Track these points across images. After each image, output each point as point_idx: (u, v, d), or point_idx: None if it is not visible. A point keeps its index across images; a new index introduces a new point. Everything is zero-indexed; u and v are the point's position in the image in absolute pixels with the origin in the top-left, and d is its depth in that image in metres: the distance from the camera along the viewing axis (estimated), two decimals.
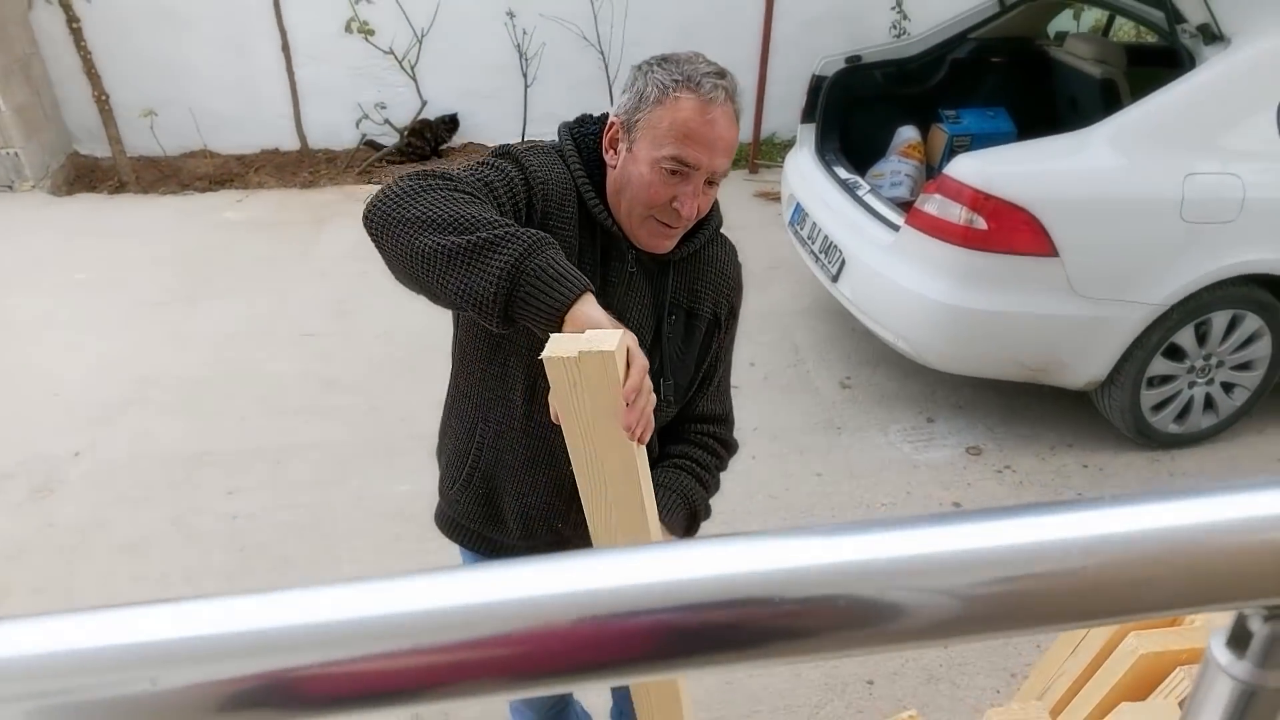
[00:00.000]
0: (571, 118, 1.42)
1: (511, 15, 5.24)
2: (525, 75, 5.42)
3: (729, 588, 0.35)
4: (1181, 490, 0.38)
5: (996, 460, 3.31)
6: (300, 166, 5.34)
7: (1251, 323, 3.10)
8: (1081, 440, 3.40)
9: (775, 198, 5.09)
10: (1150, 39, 3.67)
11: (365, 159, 5.37)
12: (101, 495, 3.01)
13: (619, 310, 1.38)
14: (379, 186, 1.51)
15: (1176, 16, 2.88)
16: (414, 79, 5.28)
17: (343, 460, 3.20)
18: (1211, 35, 2.90)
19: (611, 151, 1.34)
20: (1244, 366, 3.20)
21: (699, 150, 1.26)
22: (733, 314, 1.53)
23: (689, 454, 1.52)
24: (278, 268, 4.44)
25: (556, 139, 1.41)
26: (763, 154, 5.64)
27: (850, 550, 0.37)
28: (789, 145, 4.17)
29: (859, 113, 3.96)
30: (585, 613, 0.35)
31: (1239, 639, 0.39)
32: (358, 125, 5.33)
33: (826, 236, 3.56)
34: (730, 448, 1.62)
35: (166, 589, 2.66)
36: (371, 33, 5.02)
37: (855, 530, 0.38)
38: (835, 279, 3.48)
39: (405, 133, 5.40)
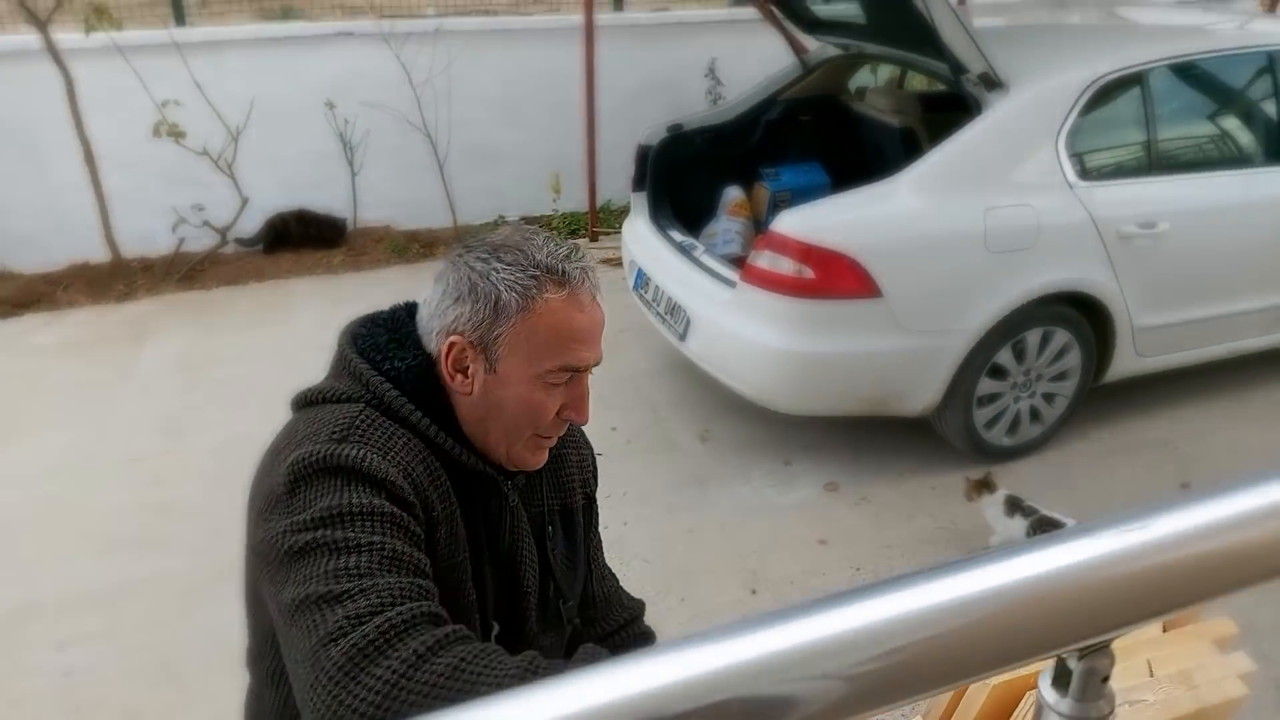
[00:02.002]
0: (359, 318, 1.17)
1: (331, 105, 5.17)
2: (351, 164, 5.34)
3: (622, 713, 0.35)
4: (997, 553, 0.40)
5: (853, 493, 3.44)
6: (114, 279, 5.02)
7: (1061, 337, 3.38)
8: (927, 463, 3.58)
9: (617, 263, 5.19)
10: (941, 88, 4.01)
11: (187, 264, 5.12)
12: None
13: (512, 558, 1.17)
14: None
15: (959, 68, 3.16)
16: (232, 177, 5.10)
17: (187, 592, 2.96)
18: (992, 83, 3.20)
19: (460, 377, 1.08)
20: (1060, 377, 3.48)
21: (586, 348, 1.08)
22: (596, 475, 1.38)
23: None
24: (96, 391, 4.12)
25: (354, 374, 1.08)
26: (601, 222, 5.75)
27: (735, 652, 0.38)
28: (624, 212, 4.27)
29: (686, 177, 4.12)
30: None
31: (1061, 678, 0.42)
32: (174, 230, 5.08)
33: (670, 298, 3.65)
34: (649, 635, 1.45)
35: None
36: (182, 135, 4.83)
37: (735, 631, 0.39)
38: (683, 338, 3.56)
39: (268, 227, 5.26)
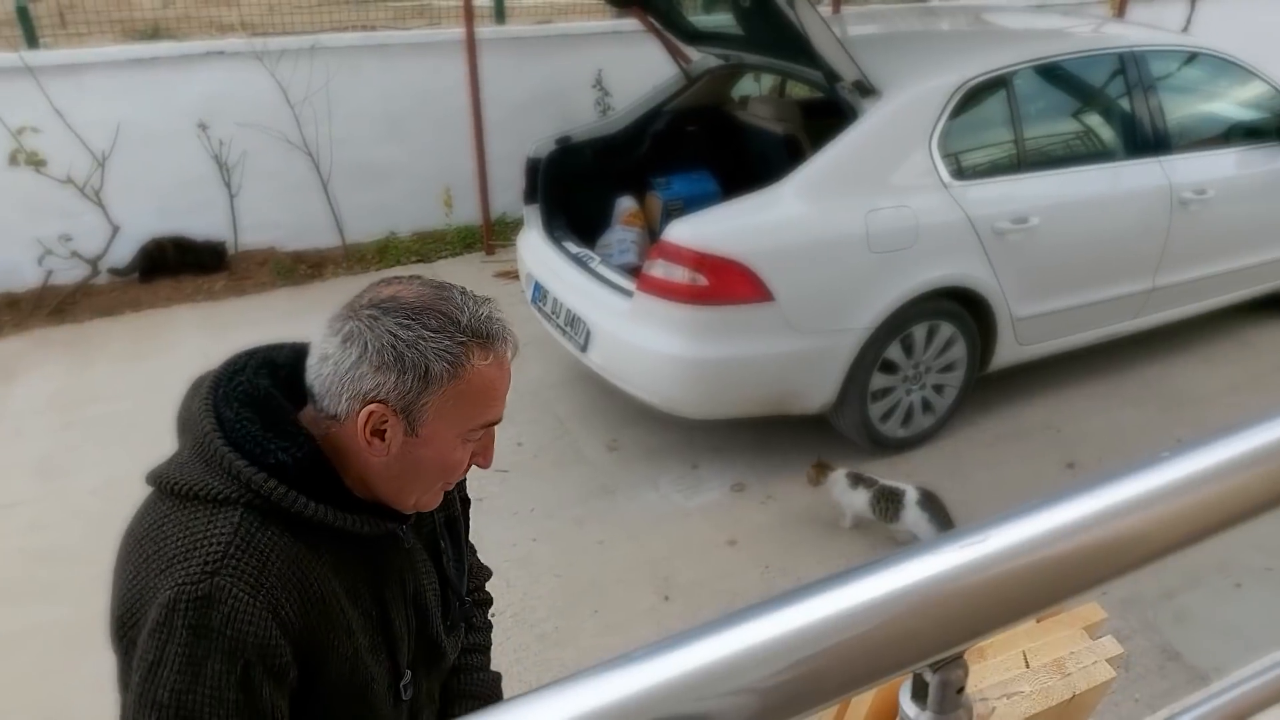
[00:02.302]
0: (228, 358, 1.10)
1: (204, 127, 4.97)
2: (229, 186, 5.14)
3: None
4: (842, 576, 0.41)
5: (759, 492, 3.50)
6: None
7: (945, 330, 3.51)
8: (827, 458, 3.66)
9: (515, 276, 5.15)
10: (820, 95, 4.12)
11: (56, 297, 4.83)
12: None
13: (419, 597, 1.19)
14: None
15: (833, 76, 3.26)
16: (100, 205, 4.84)
17: (74, 641, 2.79)
18: (866, 90, 3.31)
19: (377, 441, 1.04)
20: (947, 369, 3.61)
21: (502, 402, 1.09)
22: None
23: (478, 645, 1.42)
24: None
25: (228, 471, 1.00)
26: (496, 234, 5.70)
27: (651, 674, 0.38)
28: (519, 224, 4.24)
29: (579, 188, 4.12)
30: None
31: (919, 691, 0.43)
32: (40, 262, 4.79)
33: (569, 310, 3.64)
34: (489, 602, 1.50)
35: None
36: (42, 163, 4.56)
37: (653, 652, 0.39)
38: (584, 349, 3.56)
39: (143, 254, 5.03)
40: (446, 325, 1.01)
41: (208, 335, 4.70)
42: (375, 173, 5.55)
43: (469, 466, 1.11)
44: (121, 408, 3.95)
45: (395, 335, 1.00)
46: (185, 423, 1.07)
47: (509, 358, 1.08)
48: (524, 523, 3.31)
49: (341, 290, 5.34)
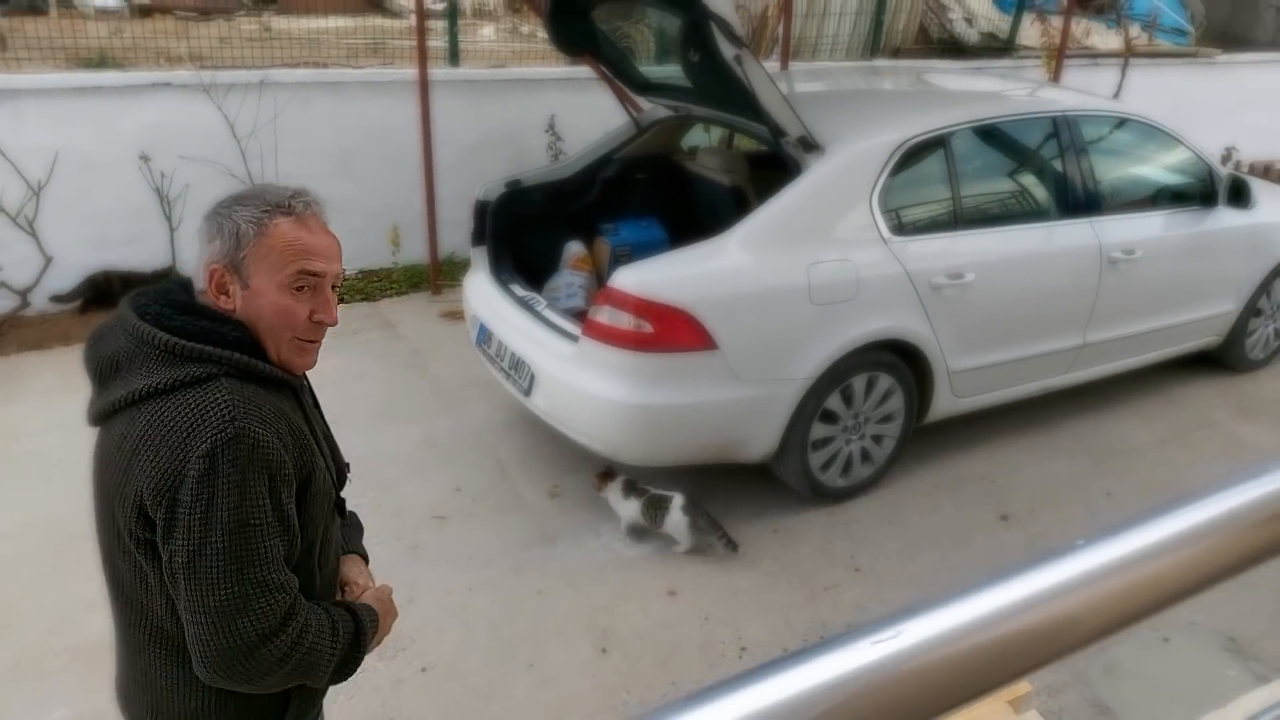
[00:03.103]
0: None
1: (146, 159, 4.88)
2: (169, 219, 5.04)
3: None
4: (758, 671, 0.41)
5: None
6: None
7: (884, 381, 3.57)
8: (769, 507, 3.68)
9: (461, 317, 5.11)
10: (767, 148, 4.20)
11: None
12: None
13: (328, 438, 1.59)
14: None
15: (779, 131, 3.33)
16: (34, 235, 4.71)
17: None
18: (810, 145, 3.38)
19: (224, 297, 1.37)
20: (886, 419, 3.67)
21: (319, 259, 1.38)
22: None
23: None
24: None
25: (198, 357, 1.31)
26: (443, 274, 5.66)
27: None
28: (467, 265, 4.22)
29: (527, 232, 4.12)
30: None
31: None
32: None
33: (513, 354, 3.62)
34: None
35: None
36: None
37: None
38: (527, 393, 3.54)
39: (89, 283, 4.96)
40: (256, 203, 1.36)
41: None
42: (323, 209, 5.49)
43: (310, 318, 1.39)
44: (47, 445, 3.81)
45: (218, 214, 1.37)
46: (127, 351, 1.34)
47: (315, 225, 1.39)
48: (461, 571, 3.25)
49: None
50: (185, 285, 1.43)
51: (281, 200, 1.36)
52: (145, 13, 8.83)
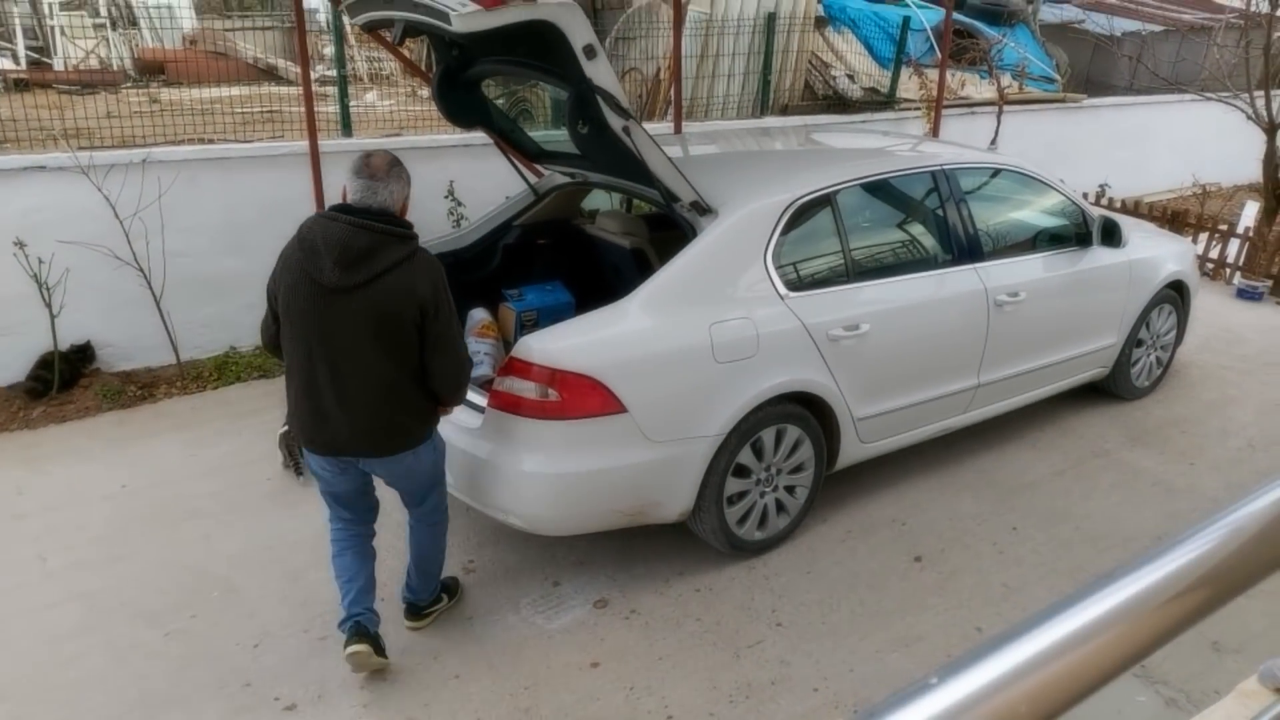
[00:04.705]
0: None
1: (21, 245, 4.65)
2: (49, 305, 4.80)
3: None
4: None
5: (622, 607, 3.44)
6: None
7: (792, 433, 3.62)
8: (690, 566, 3.67)
9: None
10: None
11: None
12: None
13: None
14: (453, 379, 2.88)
15: (672, 197, 3.39)
16: None
17: None
18: (702, 209, 3.45)
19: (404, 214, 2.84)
20: (797, 470, 3.71)
21: None
22: None
23: None
24: None
25: (401, 236, 2.72)
26: None
27: None
28: None
29: None
30: None
31: None
32: None
33: None
34: None
35: None
36: None
37: None
38: None
39: (34, 368, 4.88)
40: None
41: (19, 470, 4.30)
42: (215, 286, 5.33)
43: None
44: None
45: (403, 170, 2.82)
46: (378, 243, 2.64)
47: None
48: None
49: (176, 411, 5.03)
50: (366, 209, 2.68)
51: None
52: (23, 88, 8.52)
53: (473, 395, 3.44)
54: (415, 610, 3.29)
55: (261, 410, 4.87)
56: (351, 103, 6.18)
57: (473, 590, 3.52)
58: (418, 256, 2.67)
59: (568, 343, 3.15)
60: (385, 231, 2.61)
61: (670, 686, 3.05)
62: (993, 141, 8.31)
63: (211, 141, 5.59)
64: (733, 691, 3.03)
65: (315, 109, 4.91)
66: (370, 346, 2.64)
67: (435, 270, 2.69)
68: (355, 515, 3.02)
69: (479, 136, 5.37)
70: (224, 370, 5.30)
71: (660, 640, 3.27)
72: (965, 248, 4.12)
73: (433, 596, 3.32)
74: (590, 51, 2.96)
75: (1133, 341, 5.00)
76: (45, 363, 4.87)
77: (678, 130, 6.15)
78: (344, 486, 2.92)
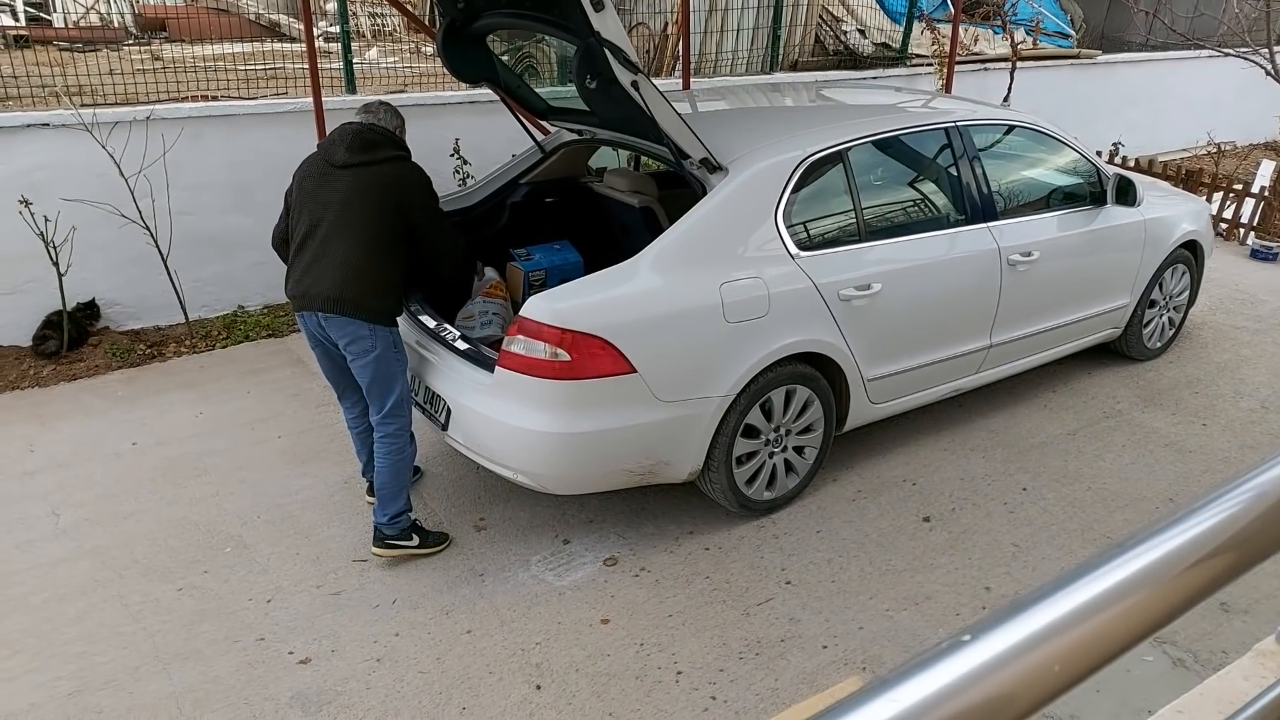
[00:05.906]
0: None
1: (26, 203, 4.63)
2: (57, 265, 4.79)
3: None
4: None
5: (632, 564, 3.46)
6: None
7: (802, 393, 3.60)
8: (699, 525, 3.68)
9: None
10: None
11: None
12: None
13: None
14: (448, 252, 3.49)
15: (681, 154, 3.34)
16: None
17: None
18: (713, 166, 3.40)
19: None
20: (806, 430, 3.70)
21: None
22: None
23: None
24: None
25: (398, 143, 3.35)
26: None
27: None
28: None
29: None
30: None
31: None
32: None
33: (428, 387, 3.54)
34: None
35: None
36: None
37: None
38: (445, 428, 3.46)
39: (40, 327, 4.87)
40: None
41: (32, 427, 4.32)
42: (221, 243, 5.31)
43: None
44: None
45: (396, 110, 3.49)
46: (380, 140, 3.29)
47: None
48: (385, 617, 3.16)
49: (185, 370, 5.04)
50: (373, 125, 3.33)
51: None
52: (23, 44, 8.42)
53: (482, 353, 3.42)
54: (379, 537, 3.41)
55: (270, 369, 4.88)
56: (354, 60, 6.09)
57: (484, 547, 3.54)
58: (409, 161, 3.32)
59: (577, 302, 3.12)
60: (387, 135, 3.31)
61: (680, 643, 3.07)
62: (1006, 98, 8.18)
63: (215, 98, 5.52)
64: (742, 648, 3.05)
65: (319, 65, 4.85)
66: (358, 214, 3.16)
67: (421, 174, 3.30)
68: (348, 401, 3.58)
69: (485, 93, 5.32)
70: (233, 329, 5.30)
71: (670, 598, 3.29)
72: (978, 206, 4.07)
73: (397, 531, 3.41)
74: (598, 4, 2.90)
75: (1146, 302, 4.96)
76: (50, 322, 4.87)
77: (686, 86, 6.06)
78: (325, 364, 3.44)
